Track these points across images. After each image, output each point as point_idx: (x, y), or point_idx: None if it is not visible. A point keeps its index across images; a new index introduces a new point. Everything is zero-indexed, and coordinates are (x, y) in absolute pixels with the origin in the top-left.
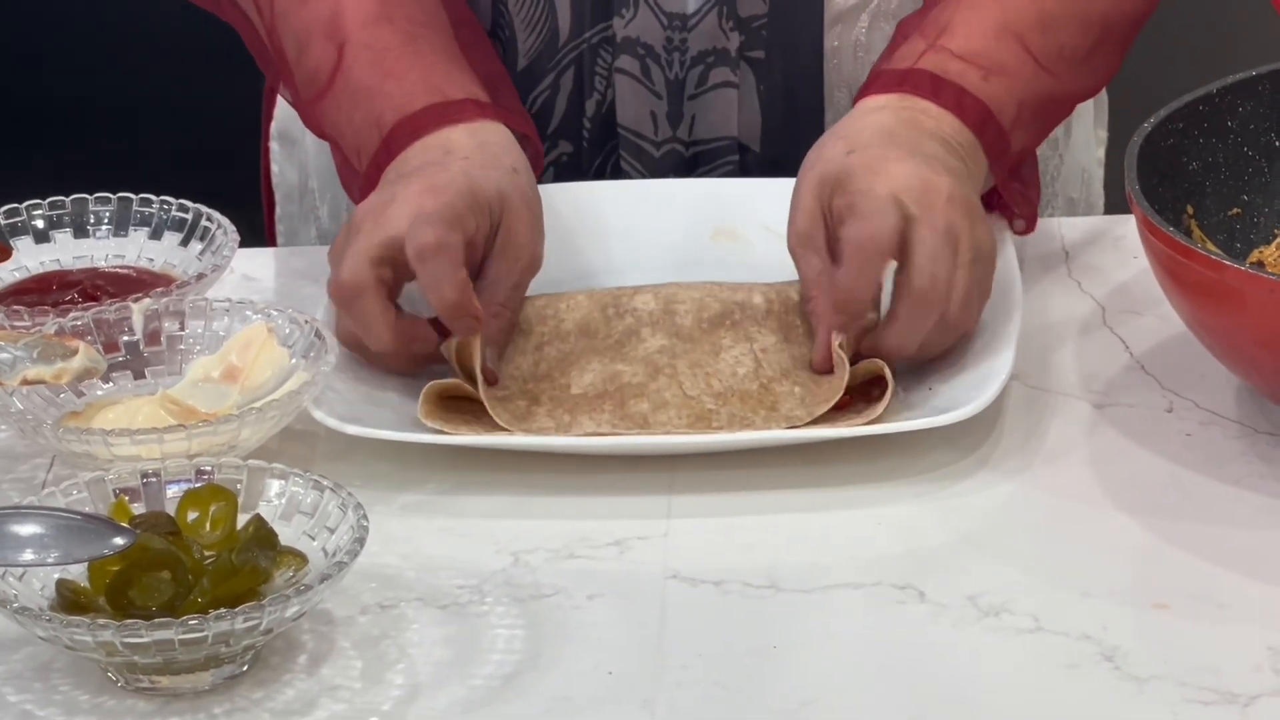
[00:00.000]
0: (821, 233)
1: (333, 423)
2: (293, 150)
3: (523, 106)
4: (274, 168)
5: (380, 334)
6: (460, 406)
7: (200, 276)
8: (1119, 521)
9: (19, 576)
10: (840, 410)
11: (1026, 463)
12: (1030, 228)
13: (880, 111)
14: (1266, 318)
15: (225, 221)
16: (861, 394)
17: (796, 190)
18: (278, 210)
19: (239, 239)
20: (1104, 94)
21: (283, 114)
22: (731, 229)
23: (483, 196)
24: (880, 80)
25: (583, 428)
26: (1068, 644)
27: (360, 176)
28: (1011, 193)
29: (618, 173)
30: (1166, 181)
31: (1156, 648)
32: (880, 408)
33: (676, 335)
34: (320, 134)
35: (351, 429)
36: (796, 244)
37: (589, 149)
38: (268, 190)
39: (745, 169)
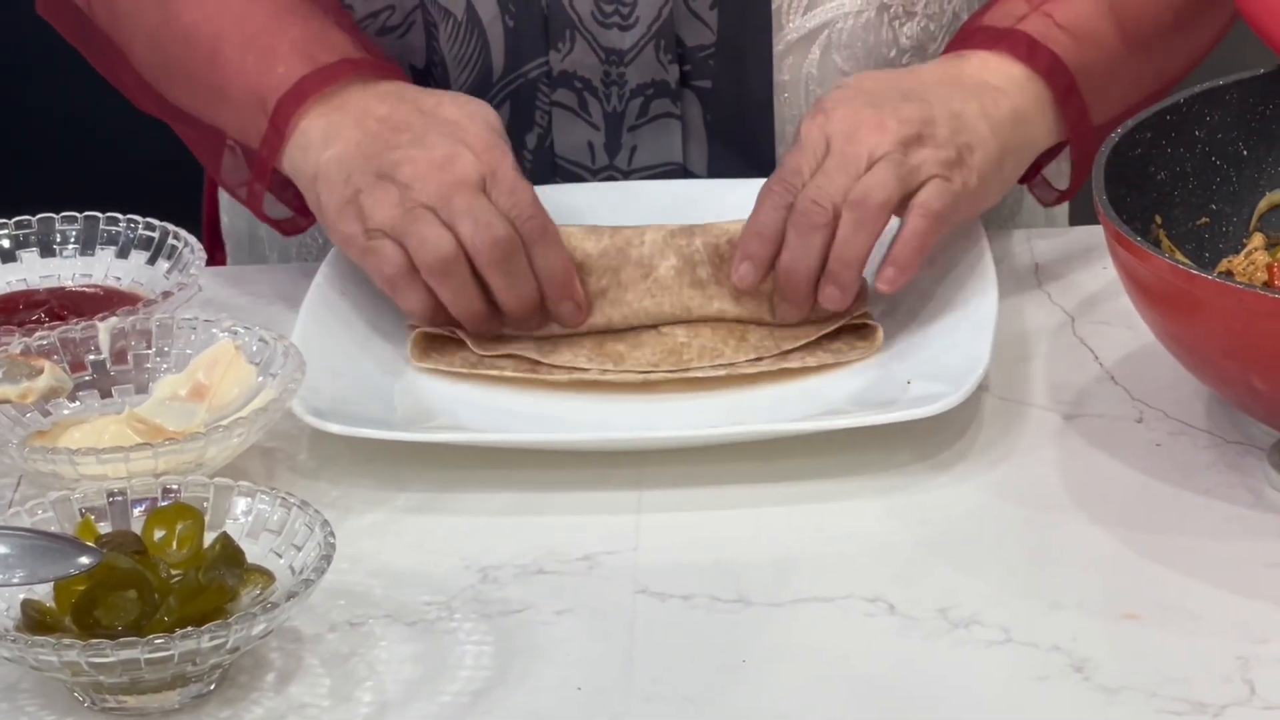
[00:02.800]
0: None
1: (310, 419)
2: None
3: (394, 57)
4: (224, 218)
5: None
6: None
7: (167, 295)
8: (1089, 532)
9: None
10: (826, 341)
11: (996, 473)
12: (1071, 194)
13: (937, 66)
14: (1234, 328)
15: (192, 240)
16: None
17: None
18: (229, 259)
19: (206, 257)
20: None
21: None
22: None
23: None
24: (976, 37)
25: (561, 357)
26: (1038, 655)
27: (250, 154)
28: (1080, 164)
29: None
30: (1134, 191)
31: (1127, 658)
32: (869, 345)
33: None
34: (173, 118)
35: (333, 427)
36: None
37: (532, 182)
38: (210, 240)
39: None
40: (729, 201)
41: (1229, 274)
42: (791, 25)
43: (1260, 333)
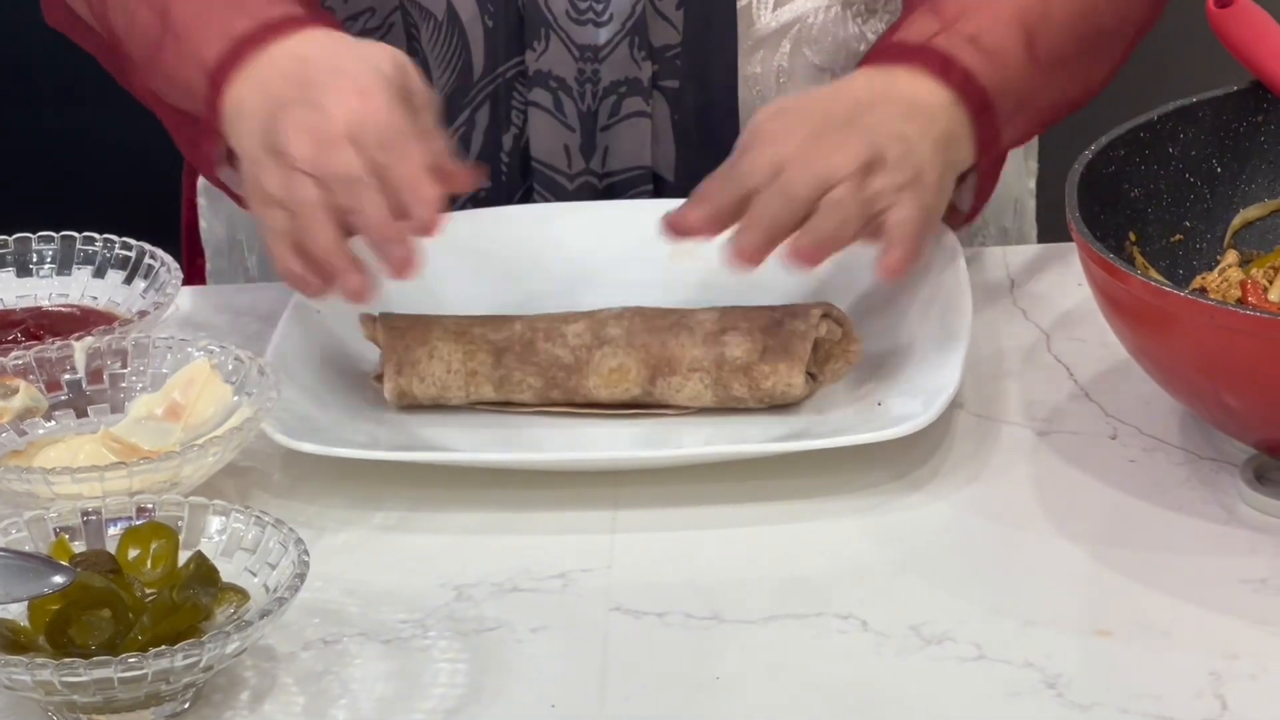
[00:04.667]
0: None
1: (280, 438)
2: (219, 204)
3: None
4: (202, 223)
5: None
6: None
7: (143, 314)
8: (1062, 548)
9: None
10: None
11: (970, 490)
12: (974, 217)
13: (865, 79)
14: (1207, 344)
15: (169, 259)
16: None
17: None
18: (208, 265)
19: (182, 277)
20: None
21: None
22: (689, 249)
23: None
24: (890, 52)
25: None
26: (1011, 672)
27: (203, 126)
28: (984, 185)
29: None
30: (1108, 209)
31: (1099, 675)
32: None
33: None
34: (157, 104)
35: (307, 446)
36: None
37: (507, 184)
38: (189, 246)
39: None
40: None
41: (1203, 291)
42: (762, 20)
43: (1232, 349)
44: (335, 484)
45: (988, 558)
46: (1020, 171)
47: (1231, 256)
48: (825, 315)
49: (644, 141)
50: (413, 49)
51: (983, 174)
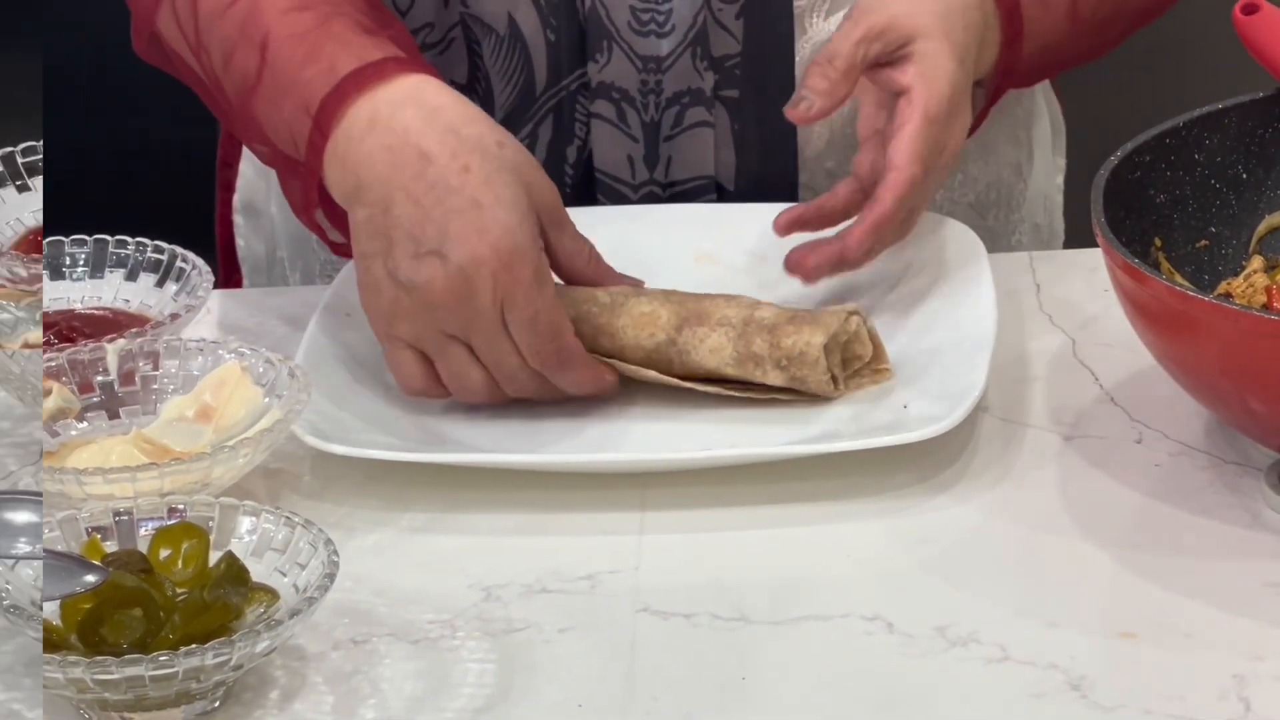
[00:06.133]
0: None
1: (310, 439)
2: (259, 222)
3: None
4: (239, 240)
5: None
6: None
7: (175, 317)
8: (1087, 551)
9: (10, 566)
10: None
11: (996, 493)
12: (972, 132)
13: None
14: (1232, 349)
15: (200, 262)
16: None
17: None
18: (245, 281)
19: (214, 280)
20: (1061, 121)
21: (245, 186)
22: (712, 253)
23: (531, 222)
24: None
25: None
26: (1035, 673)
27: (302, 168)
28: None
29: None
30: (1134, 214)
31: (1123, 677)
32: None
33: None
34: (257, 145)
35: (337, 448)
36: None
37: (572, 195)
38: (226, 262)
39: None
40: (748, 230)
41: (1228, 296)
42: (814, 28)
43: (1257, 354)
44: (364, 485)
45: (1013, 560)
46: (1050, 169)
47: (1257, 262)
48: (854, 314)
49: (707, 151)
50: (474, 64)
51: (994, 95)
